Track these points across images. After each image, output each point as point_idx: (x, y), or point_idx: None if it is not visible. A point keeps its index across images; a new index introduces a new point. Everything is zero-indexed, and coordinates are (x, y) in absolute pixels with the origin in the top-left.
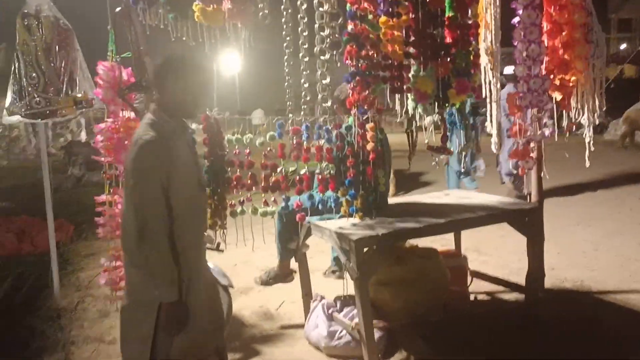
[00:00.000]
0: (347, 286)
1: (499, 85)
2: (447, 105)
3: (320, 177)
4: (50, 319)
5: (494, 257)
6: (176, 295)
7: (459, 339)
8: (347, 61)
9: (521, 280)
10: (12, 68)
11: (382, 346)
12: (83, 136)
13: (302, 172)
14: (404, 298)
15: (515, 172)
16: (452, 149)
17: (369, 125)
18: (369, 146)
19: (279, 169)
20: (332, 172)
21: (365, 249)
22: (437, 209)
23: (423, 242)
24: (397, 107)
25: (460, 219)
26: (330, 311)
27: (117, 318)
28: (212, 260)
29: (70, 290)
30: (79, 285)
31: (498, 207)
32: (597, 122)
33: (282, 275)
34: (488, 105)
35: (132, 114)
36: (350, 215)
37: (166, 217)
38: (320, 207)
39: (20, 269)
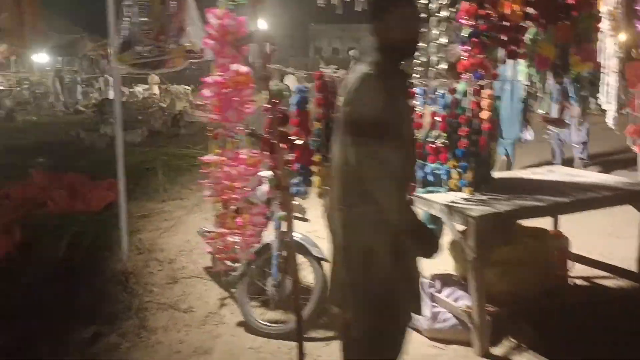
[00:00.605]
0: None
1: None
2: (564, 73)
3: (432, 146)
4: (119, 283)
5: (576, 239)
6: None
7: (571, 329)
8: (461, 20)
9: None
10: (123, 11)
11: (489, 332)
12: (111, 94)
13: None
14: (510, 280)
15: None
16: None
17: (485, 92)
18: (484, 115)
19: None
20: (445, 141)
21: (485, 227)
22: (551, 186)
23: None
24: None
25: (586, 198)
26: (430, 291)
27: (188, 284)
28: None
29: (132, 254)
30: (141, 248)
31: (624, 188)
32: None
33: None
34: (605, 77)
35: (243, 68)
36: (459, 189)
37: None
38: (432, 178)
39: (75, 228)
